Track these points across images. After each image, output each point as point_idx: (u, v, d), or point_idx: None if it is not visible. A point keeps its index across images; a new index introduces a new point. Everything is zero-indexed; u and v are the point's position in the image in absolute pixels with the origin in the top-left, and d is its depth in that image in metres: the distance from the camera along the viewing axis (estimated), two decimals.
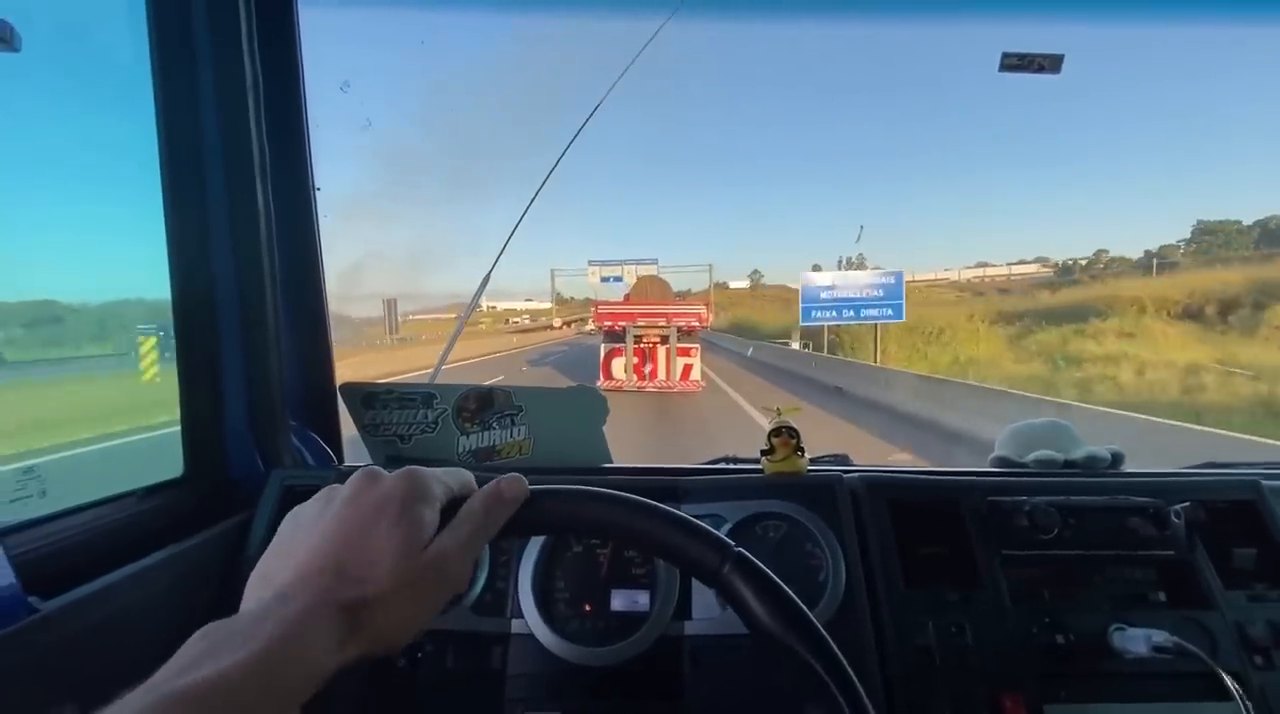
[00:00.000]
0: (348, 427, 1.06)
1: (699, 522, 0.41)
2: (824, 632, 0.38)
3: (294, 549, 0.36)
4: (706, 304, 14.58)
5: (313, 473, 0.91)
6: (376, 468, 0.39)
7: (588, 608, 0.79)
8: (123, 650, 0.67)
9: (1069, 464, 0.94)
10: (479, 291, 1.28)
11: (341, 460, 1.05)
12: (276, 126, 0.88)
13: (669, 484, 0.87)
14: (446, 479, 0.40)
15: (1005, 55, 0.90)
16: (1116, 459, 0.95)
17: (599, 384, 11.97)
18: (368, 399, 1.00)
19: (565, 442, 1.07)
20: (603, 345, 12.86)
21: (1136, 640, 0.68)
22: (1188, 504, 0.76)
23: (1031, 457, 0.97)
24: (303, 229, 0.96)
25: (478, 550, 0.39)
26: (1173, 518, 0.76)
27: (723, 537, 0.40)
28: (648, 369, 12.43)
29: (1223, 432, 5.13)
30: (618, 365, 12.53)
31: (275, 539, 0.38)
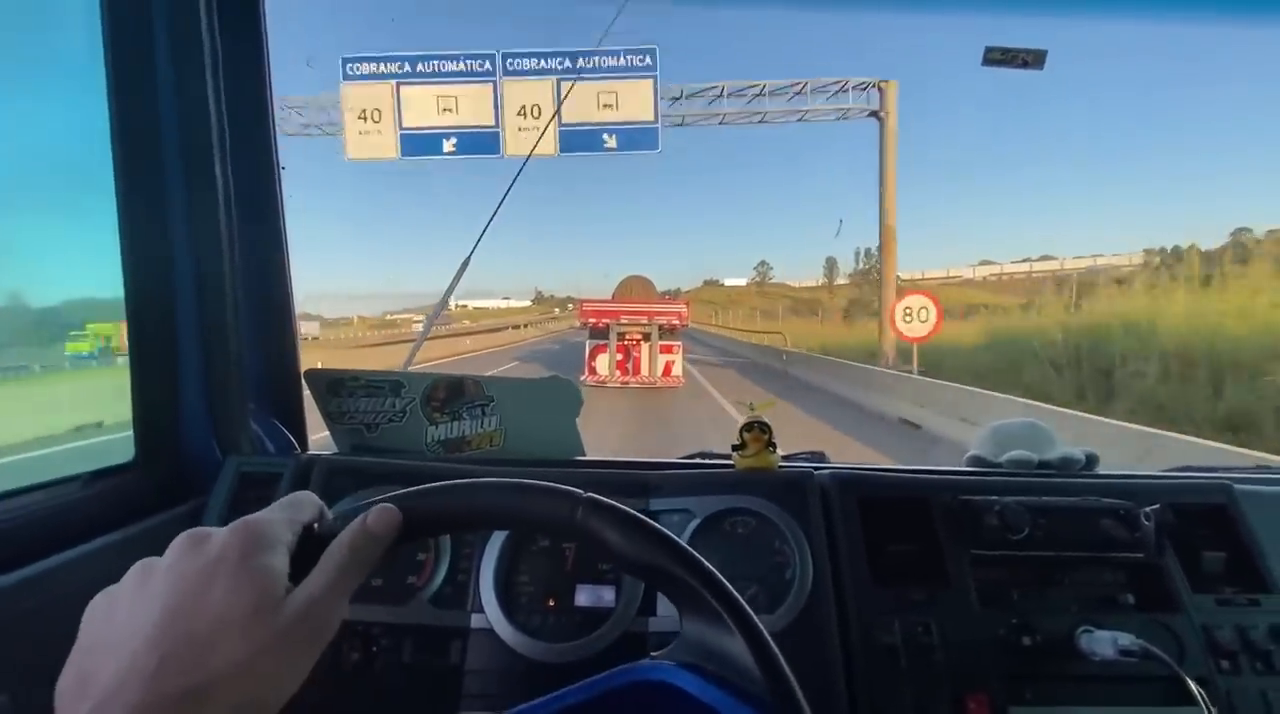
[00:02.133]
0: (314, 415, 1.03)
1: (546, 482, 0.40)
2: (680, 541, 0.38)
3: (107, 643, 0.30)
4: (687, 303, 14.93)
5: (271, 460, 0.88)
6: (201, 528, 0.33)
7: (551, 603, 0.78)
8: (61, 638, 0.64)
9: (1043, 465, 0.93)
10: (449, 289, 1.25)
11: (305, 448, 1.02)
12: (238, 101, 0.85)
13: (639, 478, 0.86)
14: (289, 515, 0.36)
15: (989, 49, 0.89)
16: (1091, 461, 0.94)
17: (583, 379, 12.48)
18: (333, 386, 0.98)
19: (538, 433, 1.05)
20: (588, 342, 13.21)
21: (1103, 643, 0.67)
22: (1158, 506, 0.76)
23: (1006, 457, 0.96)
24: (267, 209, 0.93)
25: (348, 593, 0.34)
26: (1143, 520, 0.75)
27: (569, 488, 0.39)
28: (630, 365, 12.80)
29: None
30: (601, 361, 12.89)
31: (82, 630, 0.32)
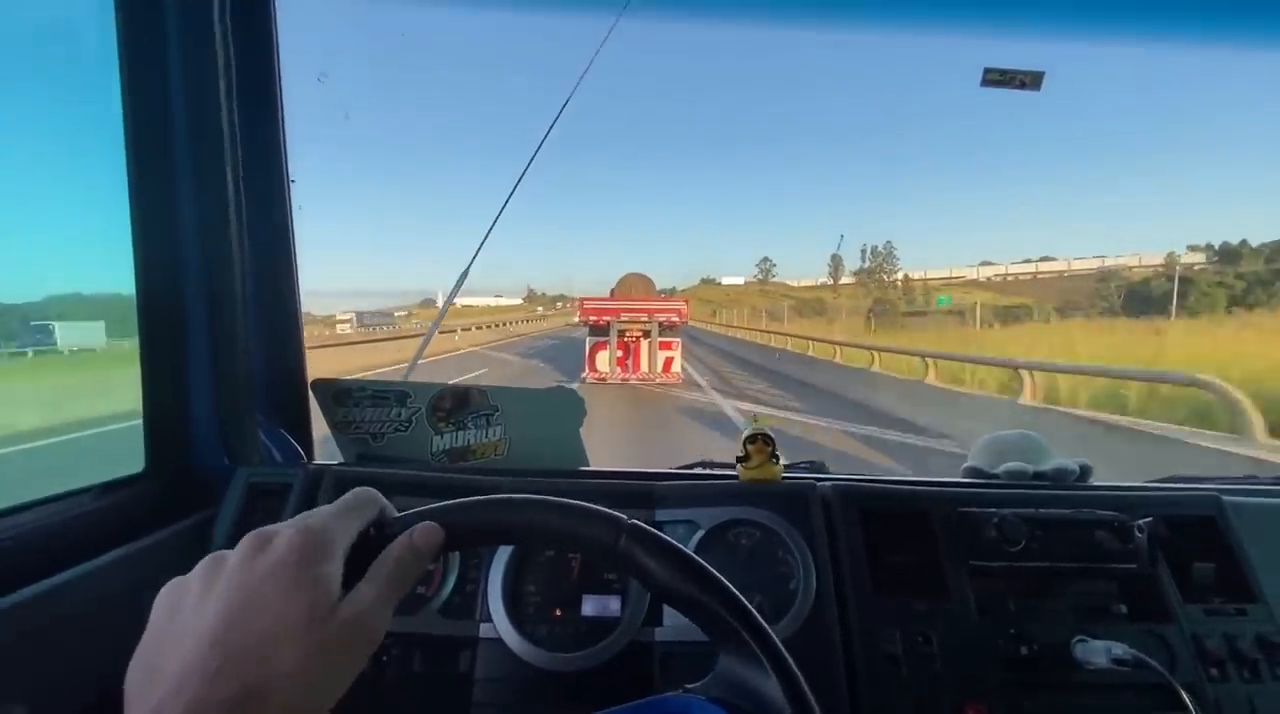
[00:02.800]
0: (319, 424, 1.04)
1: (589, 504, 0.41)
2: (726, 582, 0.39)
3: (172, 638, 0.31)
4: (686, 301, 15.01)
5: (280, 470, 0.89)
6: (267, 528, 0.35)
7: (558, 613, 0.79)
8: (75, 651, 0.65)
9: (1038, 476, 0.95)
10: (454, 290, 1.26)
11: (312, 458, 1.03)
12: (250, 115, 0.85)
13: (643, 489, 0.87)
14: (347, 520, 0.36)
15: (987, 71, 0.91)
16: (1084, 471, 0.96)
17: (583, 376, 12.66)
18: (340, 396, 0.98)
19: (542, 443, 1.06)
20: (588, 338, 13.28)
21: (1097, 652, 0.69)
22: (1150, 519, 0.78)
23: (1002, 468, 0.98)
24: (276, 221, 0.94)
25: (394, 603, 0.36)
26: (1136, 532, 0.78)
27: (614, 513, 0.40)
28: (630, 362, 12.91)
29: None
30: (602, 358, 12.96)
31: (151, 623, 0.33)
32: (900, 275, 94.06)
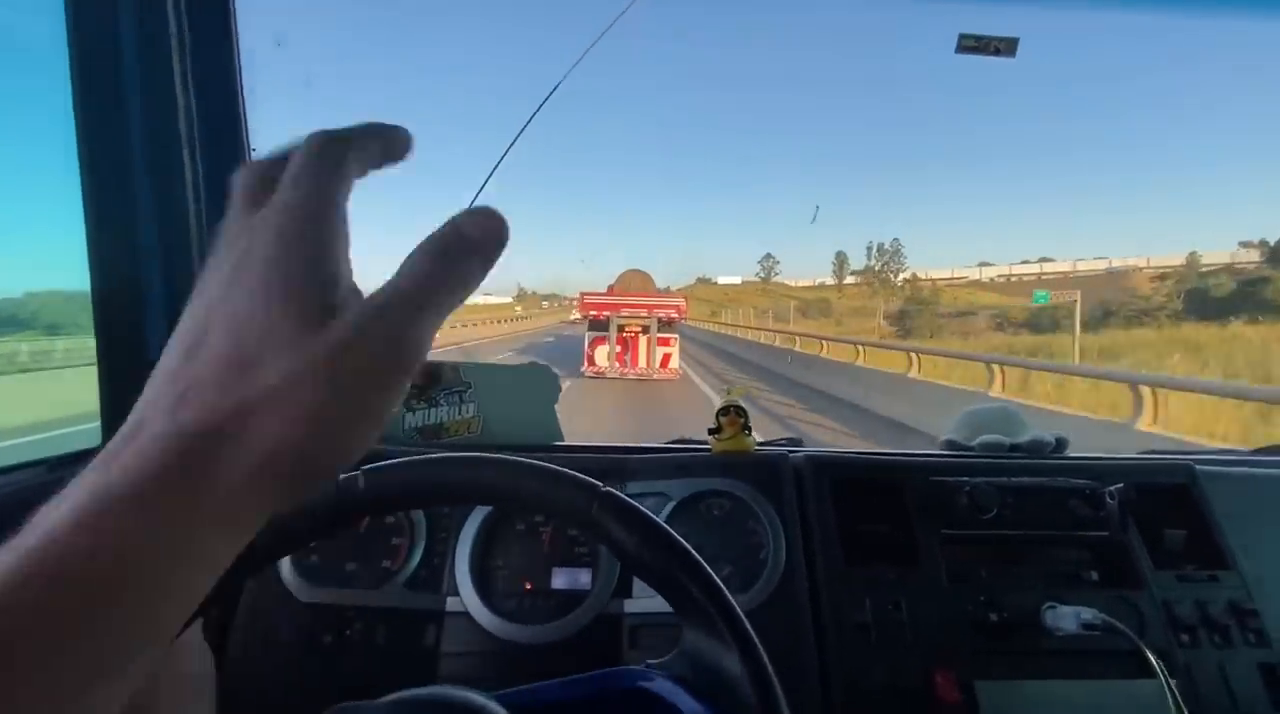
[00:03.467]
0: None
1: (564, 469, 0.40)
2: (698, 556, 0.38)
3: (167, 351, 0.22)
4: (686, 298, 15.26)
5: None
6: (266, 169, 0.23)
7: (528, 586, 0.78)
8: None
9: (1014, 448, 0.95)
10: None
11: None
12: (206, 86, 0.82)
13: (617, 462, 0.86)
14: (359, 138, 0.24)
15: (962, 36, 0.89)
16: (1060, 444, 0.96)
17: (583, 370, 12.80)
18: None
19: (515, 420, 1.04)
20: (587, 333, 13.43)
21: (1066, 618, 0.68)
22: (1122, 486, 0.77)
23: (979, 440, 0.97)
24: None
25: (436, 309, 0.22)
26: (1107, 499, 0.77)
27: (589, 479, 0.40)
28: (629, 357, 13.06)
29: None
30: (601, 353, 13.11)
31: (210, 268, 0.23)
32: (908, 274, 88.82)
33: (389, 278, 0.22)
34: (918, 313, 44.40)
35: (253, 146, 0.88)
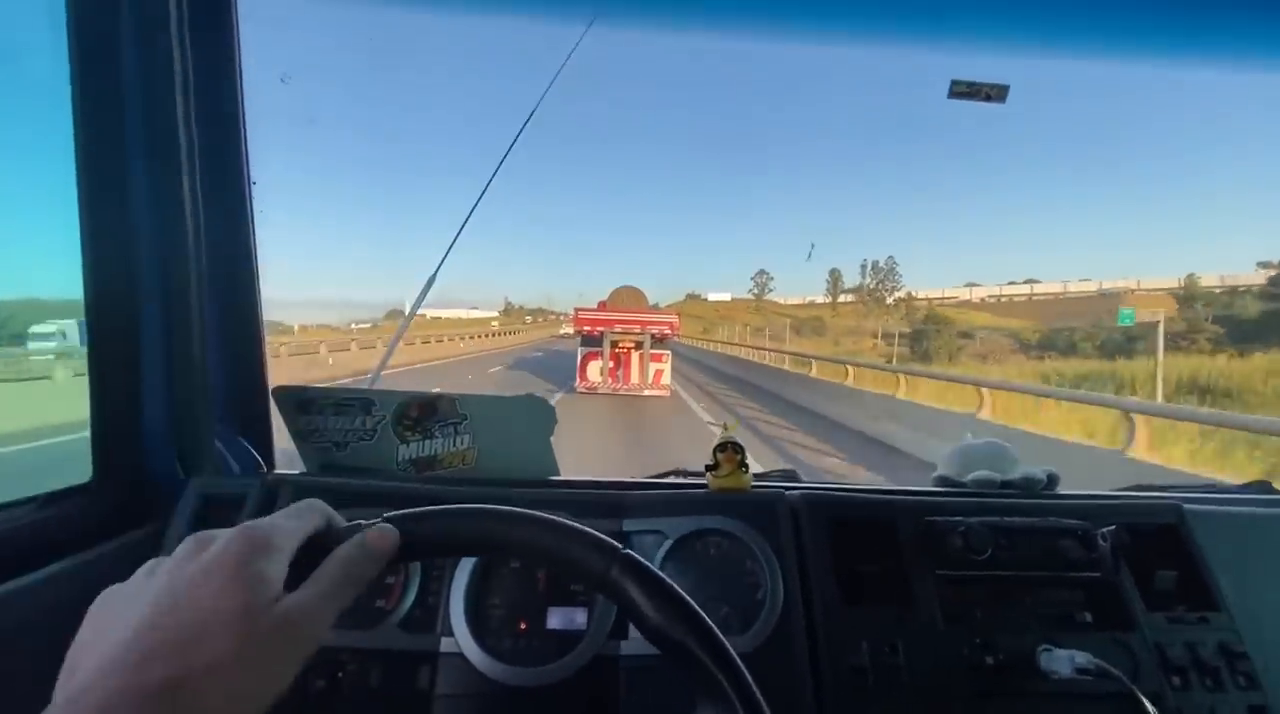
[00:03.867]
0: (281, 433, 1.01)
1: (582, 526, 0.40)
2: (714, 627, 0.38)
3: (101, 632, 0.31)
4: (678, 315, 15.28)
5: (236, 481, 0.86)
6: (207, 532, 0.35)
7: (523, 626, 0.77)
8: (16, 666, 0.62)
9: (1006, 485, 0.96)
10: (419, 298, 1.24)
11: (273, 467, 1.00)
12: (209, 114, 0.83)
13: (612, 498, 0.86)
14: (294, 524, 0.36)
15: (954, 83, 0.92)
16: (1051, 480, 0.97)
17: (575, 385, 12.92)
18: (303, 404, 0.96)
19: (511, 452, 1.04)
20: (580, 349, 13.50)
21: (1062, 662, 0.69)
22: (1114, 527, 0.78)
23: (971, 476, 0.98)
24: (236, 224, 0.92)
25: (339, 606, 0.35)
26: (1099, 540, 0.78)
27: (608, 539, 0.39)
28: (621, 372, 13.16)
29: None
30: (593, 368, 13.23)
31: (84, 623, 0.33)
32: (902, 293, 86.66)
33: (313, 575, 0.34)
34: (934, 334, 39.53)
35: (254, 179, 0.89)
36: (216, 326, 0.92)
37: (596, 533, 0.39)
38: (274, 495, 0.82)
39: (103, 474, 0.79)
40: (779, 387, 14.02)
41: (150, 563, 0.34)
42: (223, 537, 0.34)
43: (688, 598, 0.38)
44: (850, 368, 11.94)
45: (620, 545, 0.39)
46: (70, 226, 0.76)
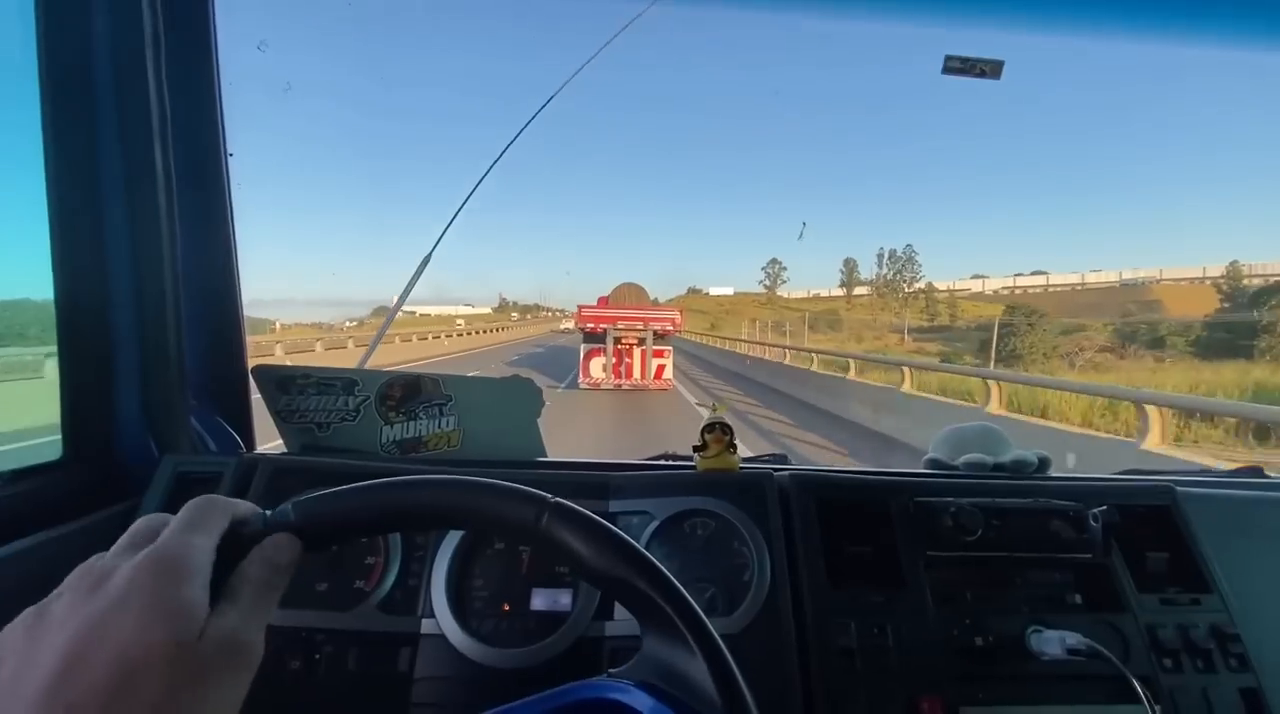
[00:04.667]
0: (261, 413, 0.99)
1: (509, 483, 0.39)
2: (655, 560, 0.38)
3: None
4: (681, 311, 15.48)
5: (211, 459, 0.84)
6: (97, 563, 0.31)
7: (506, 607, 0.75)
8: None
9: (997, 467, 0.95)
10: (405, 291, 1.22)
11: (252, 447, 0.98)
12: (182, 83, 0.80)
13: (599, 479, 0.84)
14: (202, 539, 0.32)
15: (948, 58, 0.90)
16: (1043, 463, 0.96)
17: (580, 382, 13.12)
18: (283, 383, 0.94)
19: (497, 434, 1.02)
20: (582, 346, 13.67)
21: (1051, 642, 0.68)
22: (1105, 508, 0.77)
23: (962, 459, 0.97)
24: (212, 197, 0.89)
25: (266, 616, 0.33)
26: (1090, 521, 0.77)
27: (536, 491, 0.38)
28: (624, 369, 13.33)
29: None
30: (596, 364, 13.36)
31: None
32: (922, 284, 78.06)
33: (229, 593, 0.32)
34: (1026, 330, 31.27)
35: (230, 151, 0.86)
36: (193, 305, 0.89)
37: (524, 487, 0.38)
38: (250, 474, 0.80)
39: (73, 451, 0.77)
40: (830, 400, 11.16)
41: (28, 612, 0.29)
42: (123, 568, 0.29)
43: (624, 535, 0.38)
44: (908, 371, 9.45)
45: (549, 496, 0.38)
46: (37, 200, 0.74)
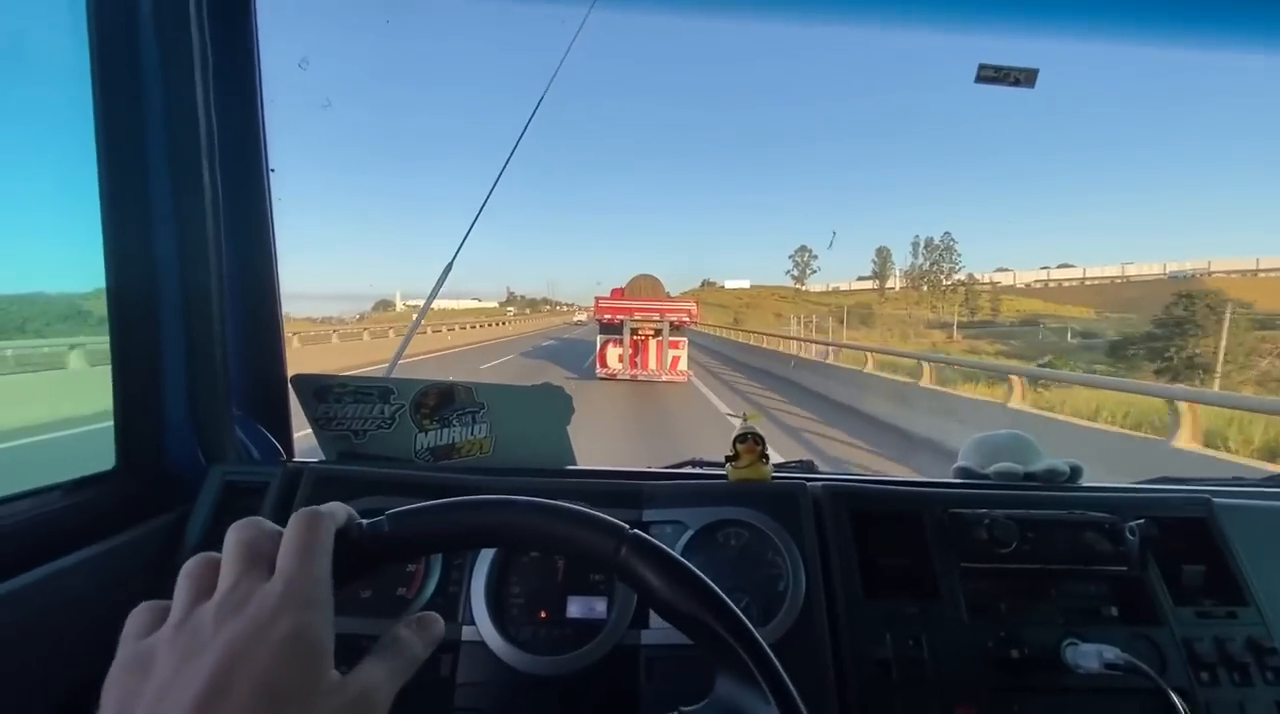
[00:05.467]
0: (300, 421, 1.02)
1: (589, 510, 0.39)
2: (727, 599, 0.38)
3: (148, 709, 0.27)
4: (696, 302, 15.49)
5: (257, 468, 0.87)
6: (241, 578, 0.31)
7: (543, 615, 0.77)
8: (45, 651, 0.62)
9: (1029, 476, 0.95)
10: (435, 289, 1.24)
11: (291, 455, 1.00)
12: (227, 101, 0.83)
13: (631, 488, 0.85)
14: (322, 555, 0.33)
15: (982, 67, 0.90)
16: (1075, 472, 0.96)
17: (597, 372, 13.34)
18: (321, 392, 0.96)
19: (528, 441, 1.04)
20: (599, 337, 13.87)
21: (1088, 656, 0.68)
22: (1142, 521, 0.77)
23: (993, 468, 0.97)
24: (254, 211, 0.91)
25: (403, 682, 0.34)
26: (1127, 534, 0.77)
27: (615, 521, 0.39)
28: (640, 359, 13.50)
29: None
30: (612, 355, 13.58)
31: (108, 699, 0.28)
32: (963, 275, 72.50)
33: (380, 650, 0.35)
34: (1207, 325, 22.40)
35: (272, 167, 0.88)
36: (235, 316, 0.92)
37: (603, 515, 0.39)
38: (295, 482, 0.82)
39: (126, 461, 0.80)
40: (910, 414, 8.57)
41: (173, 620, 0.30)
42: (266, 595, 0.30)
43: (698, 572, 0.38)
44: (1018, 381, 7.32)
45: (628, 526, 0.39)
46: (92, 218, 0.76)
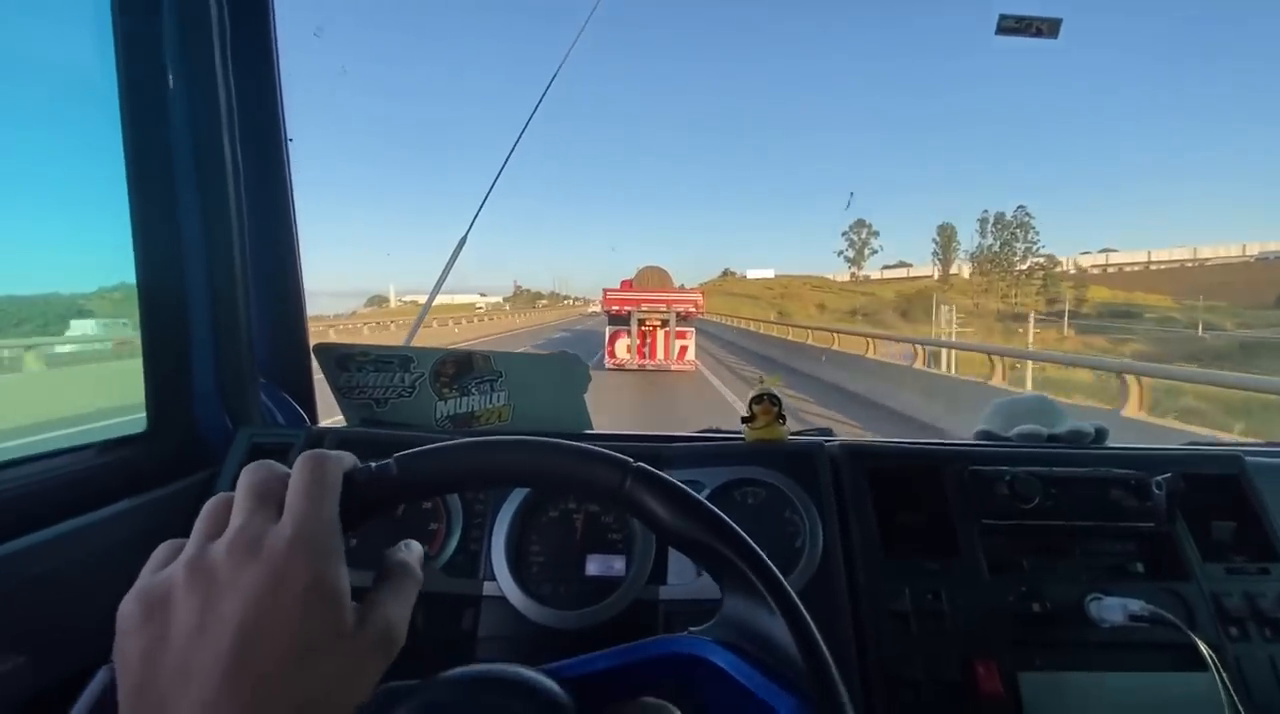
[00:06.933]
0: (323, 388, 1.04)
1: (596, 447, 0.40)
2: (733, 524, 0.38)
3: (176, 675, 0.27)
4: (703, 293, 15.56)
5: (283, 431, 0.89)
6: (251, 529, 0.30)
7: (562, 572, 0.78)
8: (77, 602, 0.65)
9: (1053, 438, 0.93)
10: (441, 278, 1.25)
11: (315, 421, 1.02)
12: (244, 70, 0.84)
13: (650, 450, 0.86)
14: (330, 496, 0.33)
15: (1002, 17, 0.87)
16: (1100, 434, 0.94)
17: (605, 362, 13.38)
18: (343, 360, 0.98)
19: (545, 408, 1.05)
20: (607, 328, 14.03)
21: (1113, 609, 0.67)
22: (1169, 475, 0.76)
23: (1015, 430, 0.96)
24: (274, 182, 0.93)
25: (413, 604, 0.36)
26: (1154, 489, 0.75)
27: (620, 455, 0.39)
28: (648, 349, 13.65)
29: None
30: (621, 345, 13.71)
31: (124, 655, 0.28)
32: (1041, 258, 59.84)
33: (387, 580, 0.35)
34: None
35: (290, 136, 0.90)
36: (259, 286, 0.94)
37: (608, 451, 0.39)
38: (318, 444, 0.84)
39: (157, 423, 0.82)
40: None
41: (184, 559, 0.30)
42: (278, 540, 0.30)
43: (700, 498, 0.39)
44: None
45: (631, 460, 0.39)
46: (119, 198, 0.78)
